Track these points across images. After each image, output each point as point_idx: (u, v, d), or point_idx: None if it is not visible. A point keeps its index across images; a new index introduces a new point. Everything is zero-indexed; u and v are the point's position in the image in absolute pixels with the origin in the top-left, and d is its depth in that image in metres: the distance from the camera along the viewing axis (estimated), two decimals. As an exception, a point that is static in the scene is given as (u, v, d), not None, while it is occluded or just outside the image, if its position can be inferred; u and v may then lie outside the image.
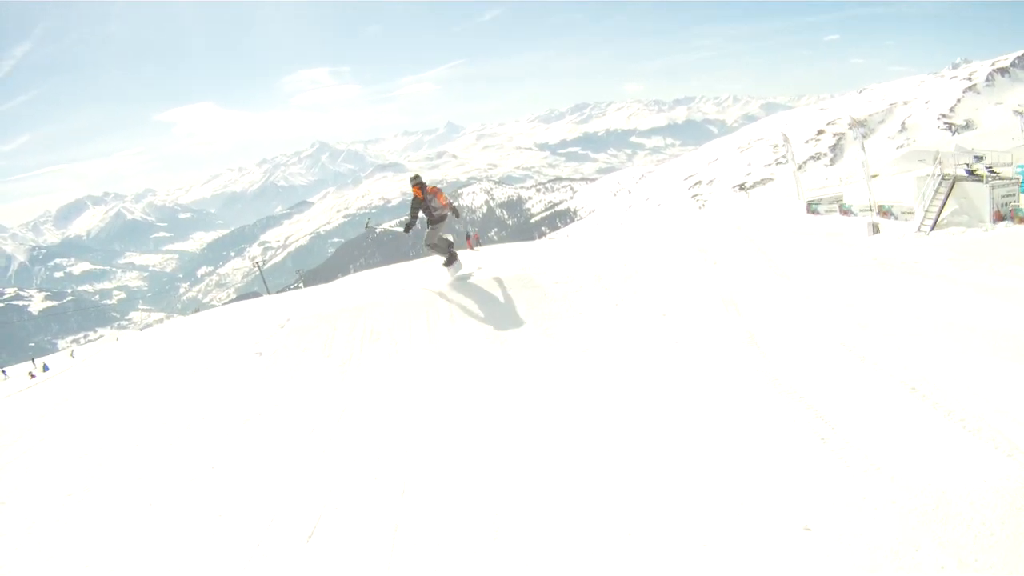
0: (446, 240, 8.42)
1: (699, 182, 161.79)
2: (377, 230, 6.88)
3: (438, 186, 8.37)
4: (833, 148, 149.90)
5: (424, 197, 8.02)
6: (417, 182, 8.07)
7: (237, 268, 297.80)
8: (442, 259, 8.54)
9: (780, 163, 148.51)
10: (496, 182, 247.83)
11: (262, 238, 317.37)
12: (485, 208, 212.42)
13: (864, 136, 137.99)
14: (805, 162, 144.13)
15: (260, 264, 56.49)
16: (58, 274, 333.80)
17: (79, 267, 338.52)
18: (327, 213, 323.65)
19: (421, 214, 8.29)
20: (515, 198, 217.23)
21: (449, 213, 8.31)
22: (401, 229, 8.66)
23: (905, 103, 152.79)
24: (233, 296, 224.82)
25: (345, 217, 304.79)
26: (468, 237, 30.45)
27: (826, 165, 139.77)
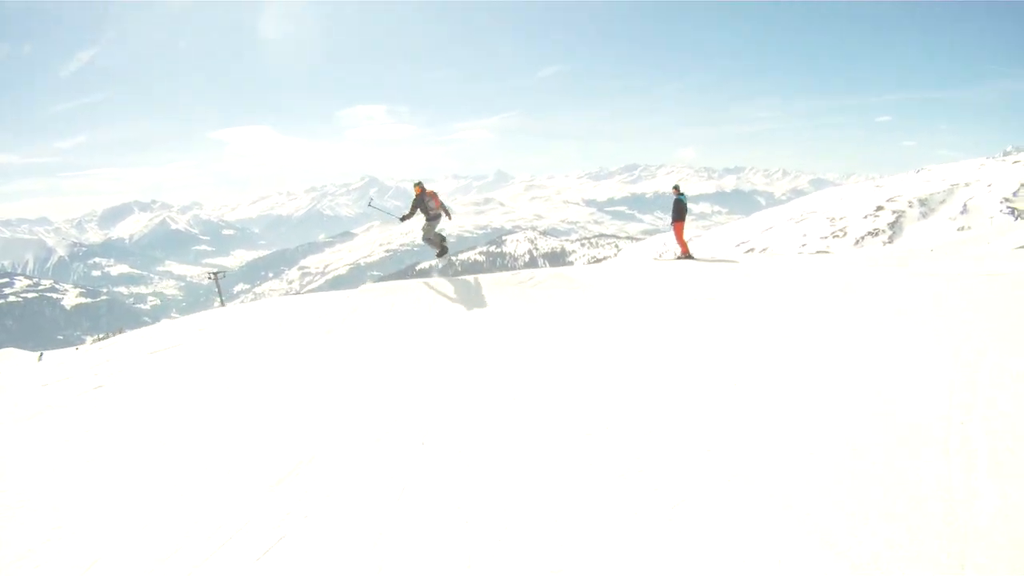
0: (440, 236, 9.99)
1: (752, 249, 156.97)
2: (373, 205, 7.27)
3: (438, 194, 9.75)
4: (892, 225, 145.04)
5: (423, 196, 9.41)
6: (419, 184, 9.48)
7: (274, 289, 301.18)
8: (435, 251, 10.07)
9: (837, 236, 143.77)
10: (541, 232, 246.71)
11: (302, 263, 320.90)
12: (528, 256, 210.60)
13: (924, 216, 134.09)
14: (863, 237, 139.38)
15: (219, 276, 53.10)
16: (96, 273, 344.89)
17: (117, 268, 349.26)
18: (369, 246, 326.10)
19: (419, 212, 9.68)
20: (559, 250, 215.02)
21: (442, 213, 9.67)
22: (398, 217, 9.94)
23: (967, 184, 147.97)
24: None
25: (387, 251, 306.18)
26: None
27: (884, 242, 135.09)
